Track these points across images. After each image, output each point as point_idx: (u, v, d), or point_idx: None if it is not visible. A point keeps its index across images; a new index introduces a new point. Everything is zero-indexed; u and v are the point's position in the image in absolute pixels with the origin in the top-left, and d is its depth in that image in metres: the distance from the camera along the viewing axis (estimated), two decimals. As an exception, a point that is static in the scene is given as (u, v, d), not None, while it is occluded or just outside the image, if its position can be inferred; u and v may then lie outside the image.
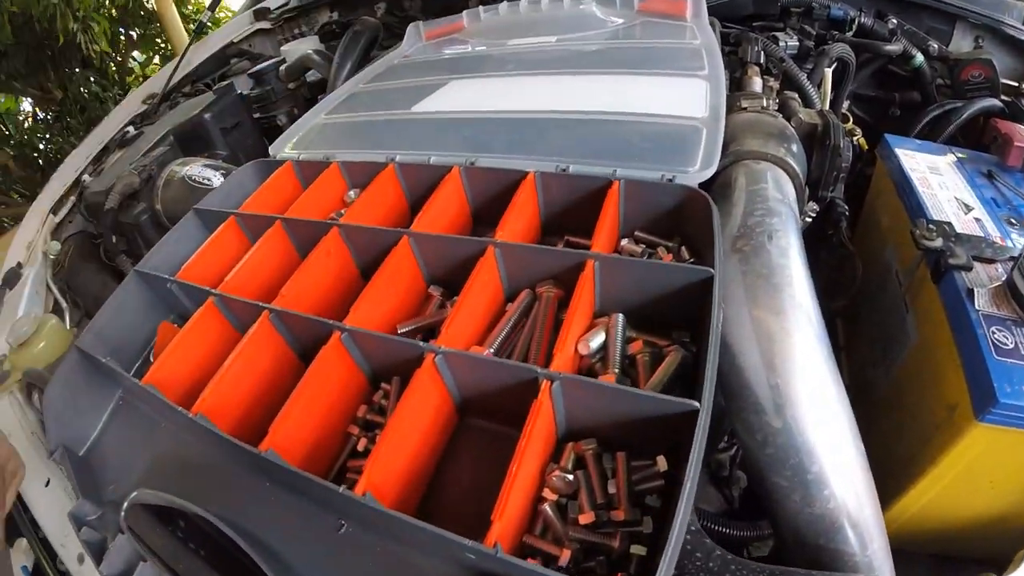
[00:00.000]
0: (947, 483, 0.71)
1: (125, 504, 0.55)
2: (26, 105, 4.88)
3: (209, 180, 1.17)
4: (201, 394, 0.59)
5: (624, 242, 0.73)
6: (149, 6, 4.13)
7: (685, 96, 0.86)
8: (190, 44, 1.74)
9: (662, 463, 0.51)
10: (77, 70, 4.18)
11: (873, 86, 1.35)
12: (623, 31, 1.12)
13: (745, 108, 0.93)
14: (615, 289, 0.64)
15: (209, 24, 1.80)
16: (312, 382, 0.58)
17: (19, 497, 0.84)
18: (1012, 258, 0.75)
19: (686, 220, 0.70)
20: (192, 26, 3.98)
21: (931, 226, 0.79)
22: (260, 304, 0.66)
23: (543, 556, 0.49)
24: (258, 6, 1.95)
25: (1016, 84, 1.26)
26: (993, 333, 0.67)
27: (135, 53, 4.64)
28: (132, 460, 0.67)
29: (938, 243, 0.77)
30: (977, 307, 0.70)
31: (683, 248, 0.71)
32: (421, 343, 0.58)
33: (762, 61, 1.09)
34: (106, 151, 1.60)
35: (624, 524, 0.49)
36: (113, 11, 4.04)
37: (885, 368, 0.89)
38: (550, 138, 0.84)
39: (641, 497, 0.52)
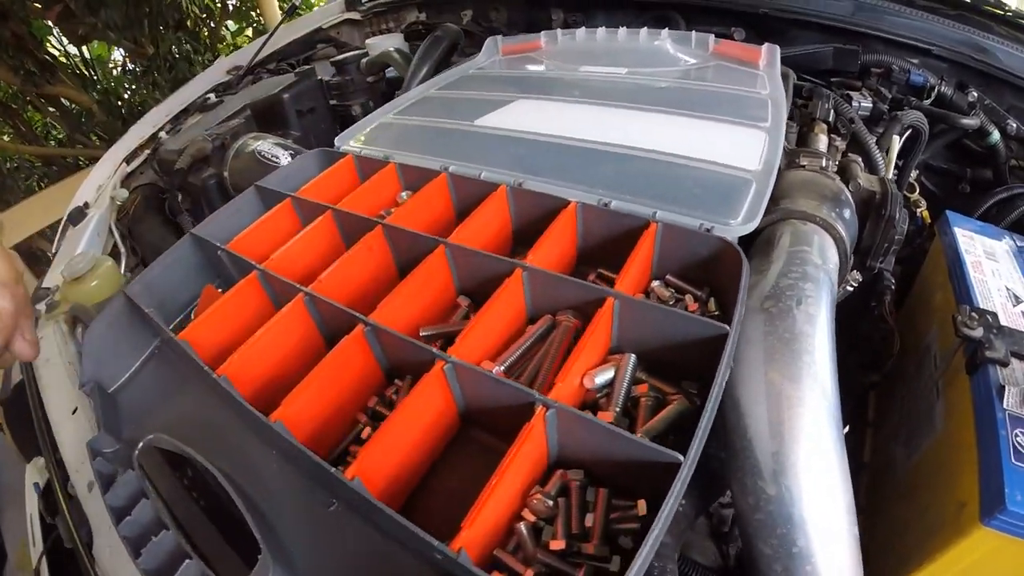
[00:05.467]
0: (945, 584, 0.68)
1: (141, 443, 0.60)
2: (117, 55, 5.17)
3: (277, 158, 1.23)
4: (229, 358, 0.63)
5: (655, 284, 0.73)
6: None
7: (741, 146, 0.86)
8: (280, 23, 1.82)
9: (642, 507, 0.51)
10: (171, 30, 4.39)
11: (946, 159, 1.29)
12: (694, 71, 1.12)
13: (804, 166, 0.91)
14: (633, 330, 0.65)
15: (301, 6, 1.89)
16: (330, 367, 0.61)
17: (44, 418, 0.89)
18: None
19: (718, 272, 0.70)
20: (287, 5, 4.17)
21: (974, 314, 0.76)
22: (297, 286, 0.70)
23: (508, 571, 0.50)
24: (351, -4, 2.04)
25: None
26: (1017, 436, 0.64)
27: (228, 22, 4.86)
28: (156, 407, 0.72)
29: (978, 333, 0.74)
30: (1005, 406, 0.67)
31: (711, 300, 0.71)
32: (434, 349, 0.60)
33: (830, 119, 1.07)
34: (185, 112, 1.69)
35: (592, 558, 0.50)
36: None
37: (907, 453, 0.87)
38: (599, 169, 0.84)
39: (616, 536, 0.52)
